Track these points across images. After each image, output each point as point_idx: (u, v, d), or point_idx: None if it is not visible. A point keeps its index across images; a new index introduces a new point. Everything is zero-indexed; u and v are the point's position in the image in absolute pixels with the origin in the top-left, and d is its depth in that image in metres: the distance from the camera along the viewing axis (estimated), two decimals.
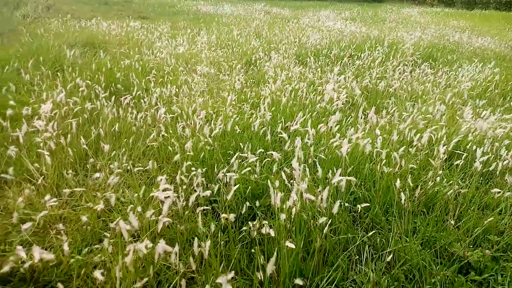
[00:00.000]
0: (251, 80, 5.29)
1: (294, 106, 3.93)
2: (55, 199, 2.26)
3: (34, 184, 2.66)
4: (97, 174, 2.39)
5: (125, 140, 3.21)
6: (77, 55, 5.49)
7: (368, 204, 2.24)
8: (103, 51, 5.85)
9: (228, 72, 5.70)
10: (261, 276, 1.72)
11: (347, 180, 2.18)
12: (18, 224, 2.32)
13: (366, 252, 2.23)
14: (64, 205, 2.51)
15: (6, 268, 1.88)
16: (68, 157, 2.91)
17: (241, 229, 2.14)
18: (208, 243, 1.61)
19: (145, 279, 1.61)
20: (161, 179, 2.07)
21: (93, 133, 3.19)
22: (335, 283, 1.91)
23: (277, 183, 1.98)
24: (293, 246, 1.53)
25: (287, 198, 1.92)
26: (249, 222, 2.14)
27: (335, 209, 1.82)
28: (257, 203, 2.28)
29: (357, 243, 2.22)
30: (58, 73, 4.80)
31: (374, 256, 2.22)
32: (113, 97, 3.85)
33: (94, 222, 2.19)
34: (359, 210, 2.27)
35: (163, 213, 1.71)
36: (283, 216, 1.79)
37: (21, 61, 5.10)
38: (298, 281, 1.43)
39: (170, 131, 3.31)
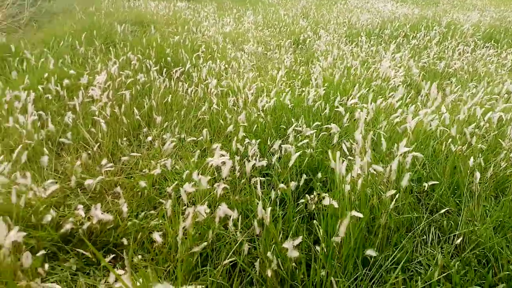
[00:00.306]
0: (300, 59, 5.13)
1: (348, 83, 3.76)
2: (111, 164, 2.27)
3: (89, 151, 2.69)
4: (149, 138, 2.37)
5: (176, 112, 3.19)
6: (128, 32, 5.55)
7: (437, 182, 2.08)
8: (153, 28, 5.88)
9: (276, 51, 5.56)
10: (322, 249, 1.62)
11: (412, 156, 2.03)
12: (75, 189, 2.37)
13: (432, 234, 2.08)
14: (119, 172, 2.52)
15: (67, 227, 1.91)
16: (122, 126, 2.93)
17: (298, 202, 2.05)
18: (269, 209, 1.53)
19: (204, 243, 1.55)
20: (216, 147, 2.02)
21: (146, 104, 3.19)
22: (401, 264, 1.78)
23: (337, 154, 1.87)
24: (360, 215, 1.42)
25: (350, 170, 1.80)
26: (307, 195, 2.05)
27: (404, 182, 1.69)
28: (314, 177, 2.17)
29: (422, 224, 2.07)
30: (110, 48, 4.87)
31: (440, 238, 2.07)
32: (164, 70, 3.85)
33: (150, 188, 2.18)
34: (426, 188, 2.12)
35: (224, 175, 1.64)
36: (347, 187, 1.67)
37: (75, 36, 5.22)
38: (371, 252, 1.32)
39: (221, 105, 3.25)
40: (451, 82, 4.26)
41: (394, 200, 1.76)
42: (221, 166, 1.86)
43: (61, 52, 4.44)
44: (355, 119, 2.66)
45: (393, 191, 1.66)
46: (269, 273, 1.48)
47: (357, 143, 1.98)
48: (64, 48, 4.76)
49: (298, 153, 1.80)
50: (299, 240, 1.28)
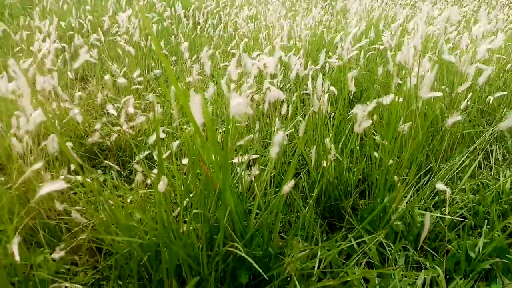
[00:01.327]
0: (331, 11, 4.87)
1: (387, 25, 3.50)
2: (141, 78, 2.10)
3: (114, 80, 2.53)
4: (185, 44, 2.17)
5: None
6: None
7: (505, 93, 1.84)
8: None
9: (305, 5, 5.31)
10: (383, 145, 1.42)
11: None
12: (102, 111, 2.22)
13: (496, 153, 1.85)
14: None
15: (94, 137, 1.75)
16: (148, 59, 2.76)
17: (349, 113, 1.84)
18: (326, 95, 1.33)
19: (250, 136, 1.37)
20: (257, 54, 1.82)
21: (173, 37, 3.01)
22: (469, 171, 1.56)
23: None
24: (439, 94, 1.21)
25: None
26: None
27: (482, 78, 1.46)
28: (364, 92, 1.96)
29: (485, 138, 1.84)
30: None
31: (506, 157, 1.85)
32: (190, 16, 3.66)
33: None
34: (490, 101, 1.89)
35: (270, 70, 1.44)
36: (413, 80, 1.46)
37: None
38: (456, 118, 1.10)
39: (252, 40, 3.04)
40: None
41: (467, 99, 1.54)
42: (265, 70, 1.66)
43: (81, 2, 4.29)
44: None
45: (468, 83, 1.43)
46: (325, 163, 1.29)
47: (415, 48, 1.75)
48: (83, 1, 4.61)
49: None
50: (373, 104, 1.07)
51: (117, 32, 3.02)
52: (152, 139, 1.24)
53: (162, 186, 0.79)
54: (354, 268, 1.16)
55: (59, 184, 0.73)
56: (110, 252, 1.23)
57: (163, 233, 0.94)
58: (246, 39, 2.95)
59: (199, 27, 3.30)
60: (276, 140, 0.86)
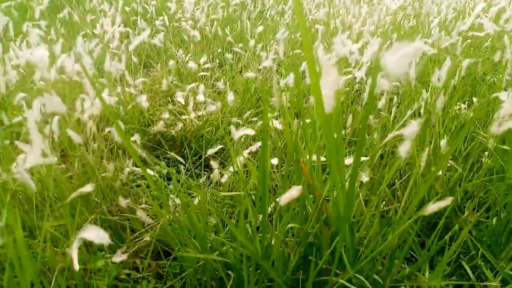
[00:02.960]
0: None
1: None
2: (208, 64, 1.94)
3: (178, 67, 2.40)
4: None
5: (271, 36, 2.80)
6: None
7: None
8: None
9: None
10: None
11: None
12: (166, 98, 2.09)
13: None
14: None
15: (158, 127, 1.62)
16: (213, 45, 2.61)
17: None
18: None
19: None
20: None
21: (238, 26, 2.84)
22: None
23: None
24: None
25: None
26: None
27: None
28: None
29: None
30: None
31: None
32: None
33: (255, 88, 1.81)
34: None
35: None
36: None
37: None
38: None
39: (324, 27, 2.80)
40: None
41: None
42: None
43: None
44: None
45: None
46: (440, 172, 1.03)
47: None
48: None
49: None
50: None
51: (181, 17, 2.90)
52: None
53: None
54: None
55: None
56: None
57: (249, 247, 0.75)
58: (318, 26, 2.71)
59: (267, 13, 3.11)
60: (409, 132, 0.63)
